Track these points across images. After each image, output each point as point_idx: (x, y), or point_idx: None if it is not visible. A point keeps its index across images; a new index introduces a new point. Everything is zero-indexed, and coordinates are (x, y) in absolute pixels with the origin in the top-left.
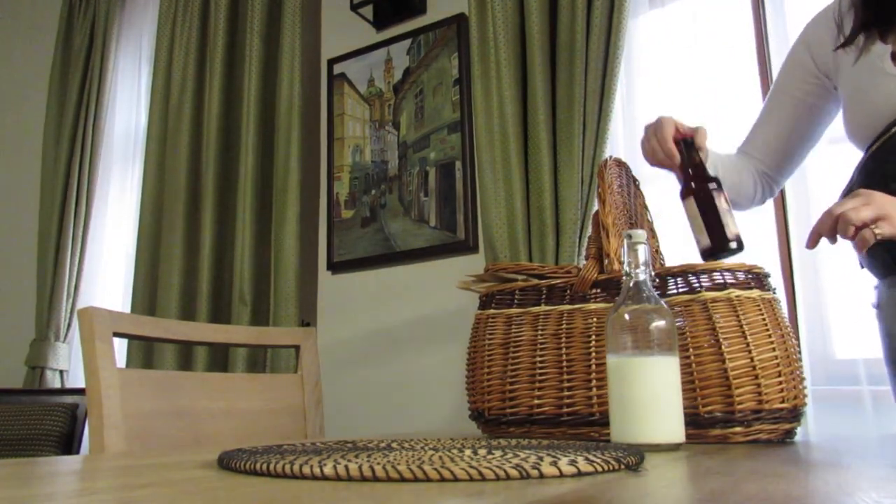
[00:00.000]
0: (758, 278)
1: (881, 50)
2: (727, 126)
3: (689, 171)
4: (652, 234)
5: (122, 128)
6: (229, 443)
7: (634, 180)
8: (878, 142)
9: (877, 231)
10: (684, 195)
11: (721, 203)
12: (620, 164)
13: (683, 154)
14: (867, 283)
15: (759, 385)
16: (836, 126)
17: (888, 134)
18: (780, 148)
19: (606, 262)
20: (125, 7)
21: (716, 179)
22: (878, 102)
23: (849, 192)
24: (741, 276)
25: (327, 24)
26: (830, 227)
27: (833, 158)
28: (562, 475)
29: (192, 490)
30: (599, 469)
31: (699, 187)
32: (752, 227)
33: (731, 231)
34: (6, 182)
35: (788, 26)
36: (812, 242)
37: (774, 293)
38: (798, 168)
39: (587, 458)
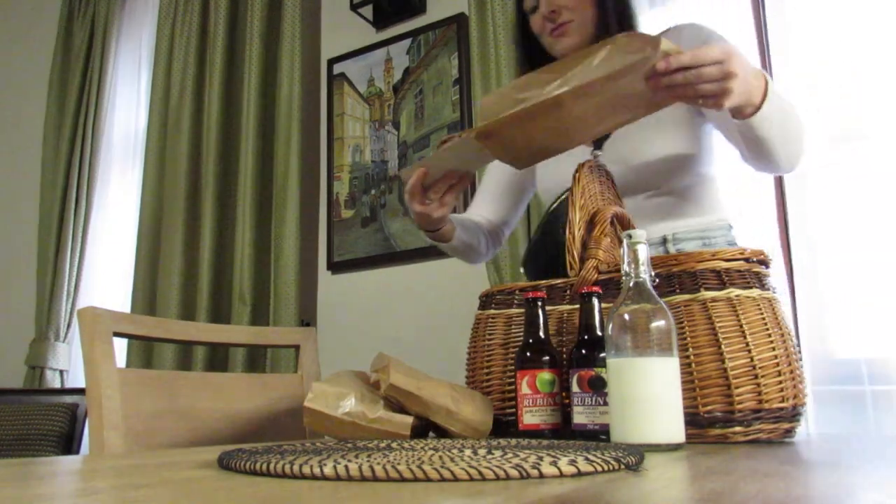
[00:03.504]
0: (758, 277)
1: None
2: None
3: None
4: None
5: (122, 128)
6: (229, 443)
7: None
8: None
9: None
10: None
11: None
12: (592, 169)
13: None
14: (866, 284)
15: (758, 385)
16: (837, 125)
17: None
18: (500, 218)
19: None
20: (125, 7)
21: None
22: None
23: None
24: (740, 275)
25: (327, 23)
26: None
27: (833, 159)
28: (562, 475)
29: (192, 490)
30: (599, 469)
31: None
32: (753, 226)
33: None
34: (6, 182)
35: (788, 26)
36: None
37: (774, 292)
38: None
39: (587, 458)
